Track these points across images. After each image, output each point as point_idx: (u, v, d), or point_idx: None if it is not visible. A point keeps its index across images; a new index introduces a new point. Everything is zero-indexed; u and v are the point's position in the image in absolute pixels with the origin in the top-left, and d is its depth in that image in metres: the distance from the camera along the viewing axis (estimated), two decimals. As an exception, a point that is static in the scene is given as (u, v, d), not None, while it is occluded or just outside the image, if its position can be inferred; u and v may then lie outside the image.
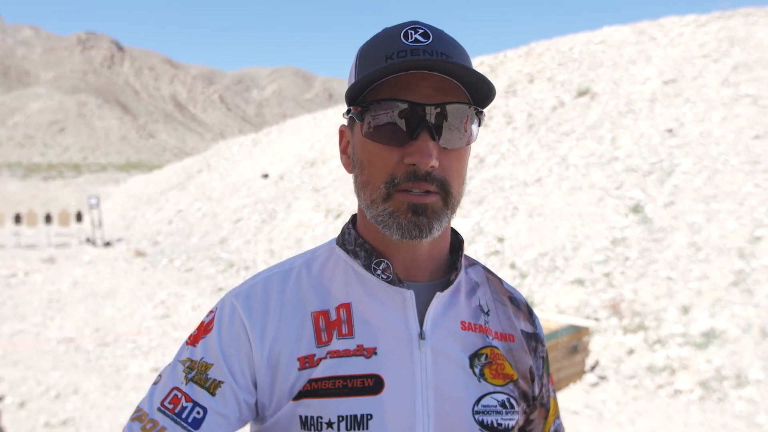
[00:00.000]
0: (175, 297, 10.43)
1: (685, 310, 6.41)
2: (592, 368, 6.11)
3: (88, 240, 19.52)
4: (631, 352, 6.18)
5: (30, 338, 7.93)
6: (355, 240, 0.97)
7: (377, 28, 1.02)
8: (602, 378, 5.93)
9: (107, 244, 18.54)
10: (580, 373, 5.97)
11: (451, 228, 1.01)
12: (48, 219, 20.66)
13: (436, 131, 0.85)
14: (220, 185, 20.70)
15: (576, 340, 5.85)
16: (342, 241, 0.99)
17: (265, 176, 18.97)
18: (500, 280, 1.07)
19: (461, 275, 0.99)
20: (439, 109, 0.85)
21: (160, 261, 14.54)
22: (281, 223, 14.45)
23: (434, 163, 0.84)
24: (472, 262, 1.06)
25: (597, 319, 6.78)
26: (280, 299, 0.93)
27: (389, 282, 0.92)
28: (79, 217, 21.24)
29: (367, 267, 0.94)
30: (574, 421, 5.09)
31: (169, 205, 21.34)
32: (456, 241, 1.02)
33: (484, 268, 1.07)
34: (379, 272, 0.93)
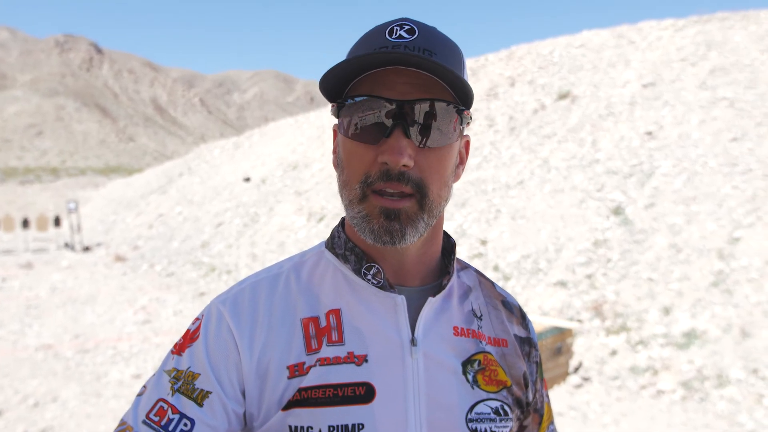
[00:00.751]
0: (156, 302, 10.30)
1: (667, 310, 6.47)
2: (576, 370, 6.13)
3: (66, 245, 19.22)
4: (613, 353, 6.22)
5: (7, 345, 7.77)
6: (344, 244, 0.94)
7: (359, 31, 1.01)
8: (586, 379, 5.96)
9: (86, 249, 18.27)
10: (564, 375, 5.99)
11: (444, 231, 0.99)
12: (25, 224, 20.27)
13: (411, 129, 0.82)
14: (201, 189, 20.51)
15: (560, 341, 5.87)
16: (331, 244, 0.97)
17: (247, 180, 18.84)
18: (492, 284, 1.05)
19: (453, 279, 0.97)
20: (415, 107, 0.82)
21: (140, 266, 14.35)
22: (263, 227, 14.35)
23: (407, 161, 0.81)
24: (465, 266, 1.04)
25: (580, 321, 6.82)
26: (268, 305, 0.90)
27: (380, 287, 0.89)
28: (57, 222, 20.90)
29: (357, 272, 0.91)
30: (558, 422, 5.11)
31: (150, 209, 21.11)
32: (448, 244, 1.00)
33: (477, 271, 1.05)
34: (369, 277, 0.90)
